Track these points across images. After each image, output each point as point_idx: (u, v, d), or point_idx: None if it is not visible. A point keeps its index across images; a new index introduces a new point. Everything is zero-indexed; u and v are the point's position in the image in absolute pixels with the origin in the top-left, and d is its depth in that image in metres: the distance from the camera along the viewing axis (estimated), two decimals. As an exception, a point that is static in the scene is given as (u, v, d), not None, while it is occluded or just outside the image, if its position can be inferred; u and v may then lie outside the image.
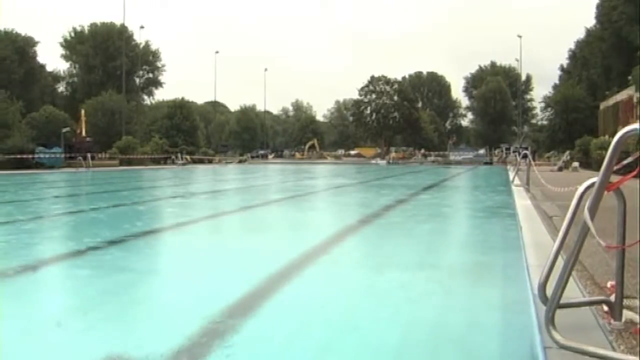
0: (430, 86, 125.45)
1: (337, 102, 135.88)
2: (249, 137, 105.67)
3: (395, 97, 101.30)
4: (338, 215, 13.45)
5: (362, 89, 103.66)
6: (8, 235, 9.09)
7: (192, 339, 3.82)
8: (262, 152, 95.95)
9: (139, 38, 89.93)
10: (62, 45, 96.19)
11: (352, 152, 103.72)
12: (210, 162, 63.10)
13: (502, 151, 75.17)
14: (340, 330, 4.27)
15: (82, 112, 55.51)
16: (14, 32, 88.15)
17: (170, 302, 5.14)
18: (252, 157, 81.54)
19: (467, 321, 4.50)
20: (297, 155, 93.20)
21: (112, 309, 4.88)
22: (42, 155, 43.19)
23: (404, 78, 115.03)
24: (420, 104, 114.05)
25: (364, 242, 8.92)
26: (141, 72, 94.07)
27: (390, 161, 70.12)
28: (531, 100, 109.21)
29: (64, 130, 52.41)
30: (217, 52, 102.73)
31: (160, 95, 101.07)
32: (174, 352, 3.58)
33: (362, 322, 4.52)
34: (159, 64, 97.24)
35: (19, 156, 40.43)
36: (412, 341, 4.11)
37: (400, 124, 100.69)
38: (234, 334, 3.99)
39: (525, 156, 23.63)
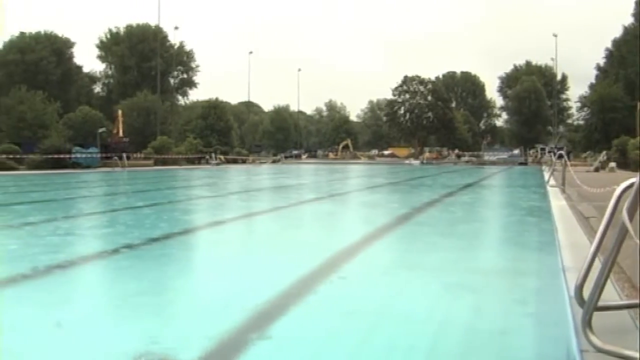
0: (464, 86, 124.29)
1: (371, 102, 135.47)
2: (283, 137, 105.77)
3: (429, 97, 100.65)
4: (380, 213, 13.31)
5: (395, 88, 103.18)
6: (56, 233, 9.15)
7: (229, 335, 3.85)
8: (295, 152, 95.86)
9: (174, 39, 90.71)
10: (98, 47, 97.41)
11: (386, 152, 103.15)
12: (243, 162, 63.23)
13: (537, 151, 74.15)
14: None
15: (119, 112, 56.04)
16: (52, 34, 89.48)
17: (208, 299, 5.16)
18: (286, 157, 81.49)
19: (503, 323, 4.38)
20: (331, 155, 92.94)
21: (155, 303, 4.94)
22: (78, 155, 43.62)
23: (437, 78, 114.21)
24: (454, 104, 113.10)
25: (404, 240, 8.79)
26: (176, 73, 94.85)
27: (424, 161, 69.72)
28: (567, 100, 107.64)
29: (100, 130, 52.95)
30: (250, 52, 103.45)
31: (195, 95, 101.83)
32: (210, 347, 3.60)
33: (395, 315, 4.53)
34: (193, 65, 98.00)
35: (56, 156, 40.87)
36: (446, 342, 4.00)
37: (434, 124, 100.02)
38: (274, 331, 4.02)
39: (560, 156, 23.25)
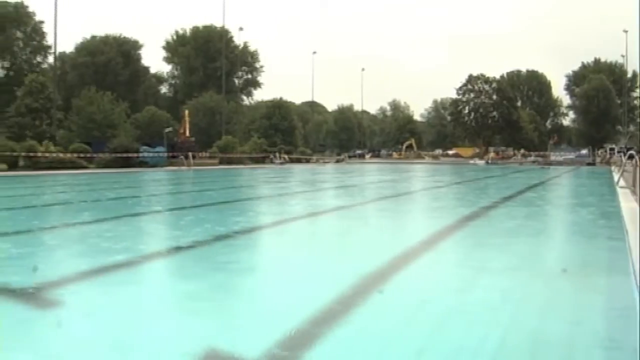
0: (529, 84, 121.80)
1: (435, 101, 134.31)
2: (347, 137, 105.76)
3: (494, 96, 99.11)
4: (451, 212, 12.91)
5: (460, 88, 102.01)
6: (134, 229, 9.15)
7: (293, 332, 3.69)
8: (359, 152, 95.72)
9: (238, 39, 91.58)
10: (164, 48, 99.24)
11: (450, 152, 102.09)
12: (307, 161, 63.22)
13: (605, 151, 71.91)
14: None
15: (186, 112, 56.71)
16: (121, 36, 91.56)
17: (276, 296, 4.97)
18: (349, 157, 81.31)
19: (571, 327, 4.06)
20: (395, 155, 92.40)
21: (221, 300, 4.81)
22: (145, 155, 44.28)
23: (502, 76, 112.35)
24: (519, 103, 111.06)
25: (478, 238, 8.40)
26: (240, 73, 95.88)
27: (489, 161, 68.40)
28: (637, 98, 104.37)
29: (167, 130, 53.63)
30: (314, 52, 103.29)
31: (259, 95, 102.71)
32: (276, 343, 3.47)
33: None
34: (257, 65, 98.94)
35: (124, 155, 41.56)
36: (513, 343, 3.74)
37: (499, 124, 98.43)
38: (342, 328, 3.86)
39: (631, 157, 22.25)
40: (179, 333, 3.82)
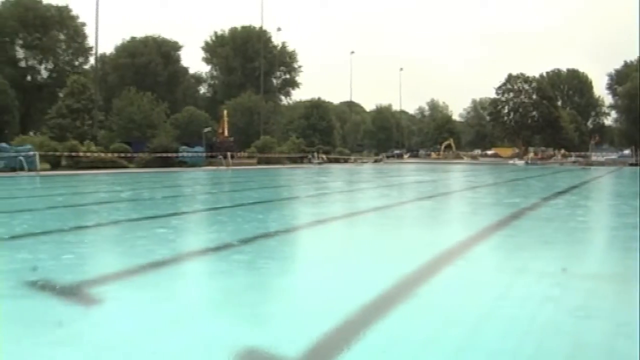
0: (570, 84, 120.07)
1: (474, 101, 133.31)
2: (385, 136, 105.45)
3: (534, 96, 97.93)
4: (493, 213, 12.67)
5: (499, 87, 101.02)
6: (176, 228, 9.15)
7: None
8: (397, 151, 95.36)
9: (276, 40, 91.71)
10: (203, 49, 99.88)
11: (489, 152, 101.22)
12: (345, 161, 63.12)
13: (648, 151, 70.30)
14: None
15: (225, 112, 56.92)
16: (160, 37, 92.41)
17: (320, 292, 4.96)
18: (387, 157, 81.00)
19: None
20: (433, 155, 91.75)
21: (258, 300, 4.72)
22: (185, 154, 44.54)
23: (541, 75, 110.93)
24: (559, 103, 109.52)
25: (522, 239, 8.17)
26: (278, 73, 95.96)
27: (529, 162, 67.41)
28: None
29: (206, 130, 53.92)
30: (352, 52, 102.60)
31: (297, 95, 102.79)
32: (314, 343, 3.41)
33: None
34: (295, 65, 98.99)
35: (164, 155, 41.87)
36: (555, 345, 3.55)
37: (539, 124, 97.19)
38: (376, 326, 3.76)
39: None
40: (224, 331, 3.80)
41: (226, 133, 54.54)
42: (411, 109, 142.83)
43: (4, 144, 35.81)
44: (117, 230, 9.07)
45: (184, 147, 45.98)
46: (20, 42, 75.70)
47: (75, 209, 12.81)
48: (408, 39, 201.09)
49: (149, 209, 13.29)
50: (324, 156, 59.37)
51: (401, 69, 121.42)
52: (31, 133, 56.59)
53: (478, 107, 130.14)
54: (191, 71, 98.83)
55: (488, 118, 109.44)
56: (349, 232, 9.52)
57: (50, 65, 78.37)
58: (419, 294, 4.69)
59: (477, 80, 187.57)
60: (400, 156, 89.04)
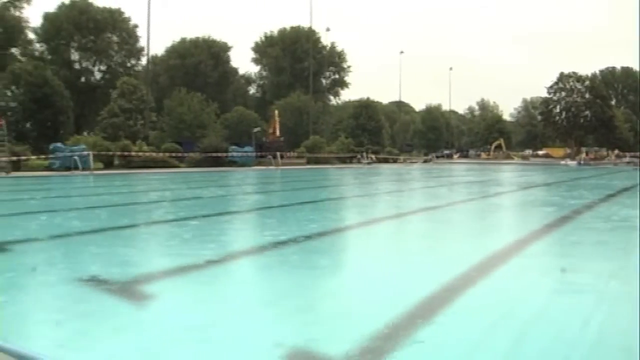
0: (625, 82, 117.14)
1: (525, 100, 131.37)
2: (434, 136, 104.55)
3: (587, 95, 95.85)
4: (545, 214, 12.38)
5: (550, 86, 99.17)
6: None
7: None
8: (446, 152, 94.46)
9: (325, 40, 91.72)
10: (253, 50, 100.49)
11: (540, 153, 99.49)
12: (394, 161, 62.74)
13: None
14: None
15: (275, 112, 57.06)
16: (210, 38, 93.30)
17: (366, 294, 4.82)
18: (437, 157, 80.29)
19: None
20: (483, 155, 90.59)
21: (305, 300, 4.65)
22: (234, 154, 44.76)
23: (594, 74, 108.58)
24: (613, 102, 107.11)
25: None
26: (327, 73, 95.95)
27: (581, 162, 66.01)
28: None
29: (255, 130, 54.19)
30: (401, 52, 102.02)
31: (346, 95, 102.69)
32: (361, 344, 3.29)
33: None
34: (344, 65, 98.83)
35: (214, 154, 42.16)
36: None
37: (592, 123, 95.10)
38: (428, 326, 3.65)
39: None
40: (275, 328, 3.76)
41: (277, 133, 54.66)
42: (461, 109, 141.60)
43: (59, 144, 36.49)
44: (194, 225, 9.20)
45: (233, 147, 46.21)
46: (75, 44, 77.26)
47: (145, 206, 13.27)
48: (458, 38, 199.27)
49: (215, 206, 13.55)
50: (372, 156, 59.11)
51: (451, 68, 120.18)
52: (85, 133, 57.67)
53: (529, 106, 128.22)
54: (241, 72, 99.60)
55: (539, 118, 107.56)
56: (411, 230, 9.48)
57: (103, 67, 79.78)
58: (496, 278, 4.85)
59: (528, 79, 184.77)
60: (449, 156, 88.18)
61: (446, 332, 3.56)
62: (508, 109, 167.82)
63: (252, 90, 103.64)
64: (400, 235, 8.98)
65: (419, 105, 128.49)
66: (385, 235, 8.79)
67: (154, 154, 40.14)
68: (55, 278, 5.09)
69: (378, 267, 5.90)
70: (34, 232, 8.04)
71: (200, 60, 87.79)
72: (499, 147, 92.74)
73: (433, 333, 3.51)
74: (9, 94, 55.59)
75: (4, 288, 4.66)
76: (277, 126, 55.05)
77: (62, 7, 76.37)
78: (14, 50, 70.56)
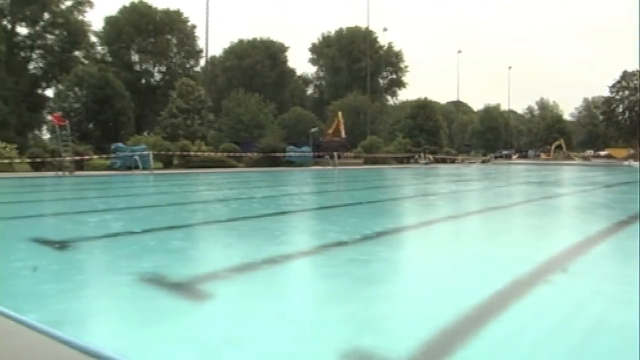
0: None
1: (586, 99, 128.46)
2: (493, 137, 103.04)
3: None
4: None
5: (613, 85, 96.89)
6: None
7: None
8: (505, 152, 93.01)
9: (383, 40, 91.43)
10: (310, 50, 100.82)
11: (602, 153, 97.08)
12: (452, 162, 61.97)
13: None
14: None
15: (339, 114, 56.77)
16: (268, 39, 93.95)
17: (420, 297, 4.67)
18: (495, 158, 79.04)
19: None
20: (542, 155, 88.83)
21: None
22: (292, 154, 44.78)
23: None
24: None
25: None
26: (385, 73, 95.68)
27: (645, 163, 64.02)
28: None
29: (313, 130, 54.19)
30: (459, 51, 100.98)
31: (404, 95, 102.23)
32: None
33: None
34: (402, 65, 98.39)
35: (272, 154, 42.27)
36: None
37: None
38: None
39: None
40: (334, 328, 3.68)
41: (343, 134, 54.44)
42: (520, 109, 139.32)
43: (120, 144, 37.11)
44: (263, 223, 9.27)
45: (291, 147, 46.26)
46: (135, 47, 78.75)
47: (212, 205, 13.39)
48: (517, 37, 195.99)
49: (279, 204, 13.57)
50: (430, 156, 58.47)
51: (510, 67, 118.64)
52: (145, 133, 58.59)
53: (590, 106, 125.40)
54: (298, 72, 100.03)
55: (601, 117, 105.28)
56: (477, 230, 9.31)
57: (163, 68, 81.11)
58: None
59: (589, 78, 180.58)
60: (508, 157, 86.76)
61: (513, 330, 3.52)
62: (569, 109, 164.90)
63: (309, 90, 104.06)
64: (464, 235, 8.78)
65: (477, 105, 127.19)
66: (452, 235, 8.68)
67: (212, 154, 40.41)
68: (118, 275, 5.02)
69: (444, 265, 5.88)
70: (99, 229, 8.12)
71: (257, 61, 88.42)
72: (559, 147, 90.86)
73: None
74: (72, 95, 56.94)
75: (67, 284, 4.62)
76: (342, 127, 54.78)
77: (123, 10, 77.94)
78: (77, 53, 72.27)
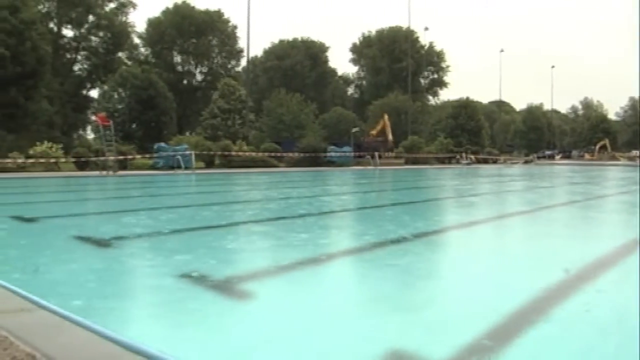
0: None
1: (632, 98, 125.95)
2: (535, 137, 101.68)
3: None
4: None
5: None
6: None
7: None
8: (548, 152, 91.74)
9: (424, 40, 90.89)
10: (351, 51, 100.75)
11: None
12: (494, 162, 61.31)
13: None
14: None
15: (385, 116, 56.55)
16: (308, 39, 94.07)
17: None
18: (538, 158, 77.98)
19: None
20: (587, 156, 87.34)
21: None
22: (333, 154, 44.74)
23: None
24: None
25: None
26: (426, 73, 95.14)
27: (693, 163, 62.52)
28: None
29: (354, 130, 54.10)
30: (501, 50, 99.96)
31: (445, 95, 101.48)
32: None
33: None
34: (443, 65, 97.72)
35: (313, 154, 42.26)
36: None
37: None
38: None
39: None
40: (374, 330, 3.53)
41: (390, 136, 54.20)
42: (563, 108, 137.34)
43: (163, 144, 37.46)
44: (310, 222, 9.24)
45: (332, 146, 46.23)
46: (177, 48, 79.59)
47: (259, 204, 13.36)
48: (560, 35, 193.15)
49: (324, 204, 13.53)
50: (472, 156, 57.92)
51: (553, 67, 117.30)
52: (187, 133, 59.16)
53: (637, 105, 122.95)
54: (339, 72, 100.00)
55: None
56: (524, 230, 9.09)
57: (204, 69, 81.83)
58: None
59: (635, 77, 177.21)
60: (551, 157, 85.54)
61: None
62: (614, 108, 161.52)
63: (350, 90, 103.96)
64: (512, 234, 8.62)
65: (519, 105, 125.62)
66: (500, 235, 8.55)
67: (253, 154, 40.54)
68: (160, 273, 4.99)
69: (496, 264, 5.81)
70: (147, 227, 8.19)
71: (297, 61, 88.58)
72: (603, 147, 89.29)
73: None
74: (116, 96, 57.74)
75: (111, 281, 4.61)
76: (389, 129, 54.47)
77: (165, 12, 78.81)
78: (120, 54, 73.31)
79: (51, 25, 65.30)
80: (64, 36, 68.78)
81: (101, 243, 6.31)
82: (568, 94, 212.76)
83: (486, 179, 28.52)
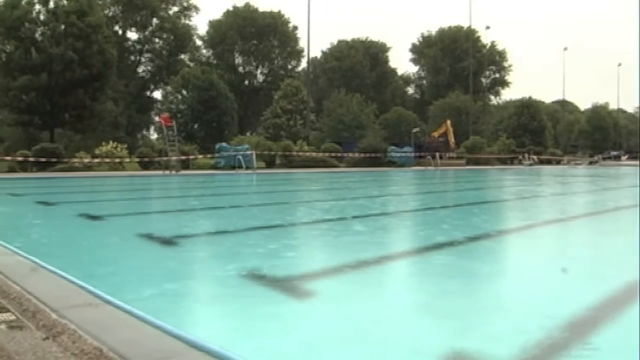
0: None
1: None
2: (601, 137, 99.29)
3: None
4: None
5: None
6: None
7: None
8: (614, 153, 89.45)
9: (485, 39, 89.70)
10: (411, 50, 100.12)
11: None
12: (557, 162, 60.08)
13: None
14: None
15: (448, 122, 55.99)
16: (368, 39, 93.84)
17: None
18: (603, 159, 76.14)
19: None
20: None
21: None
22: (393, 154, 44.54)
23: None
24: None
25: None
26: (487, 73, 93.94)
27: None
28: None
29: (414, 130, 53.77)
30: (565, 48, 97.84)
31: (507, 94, 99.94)
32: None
33: None
34: (505, 64, 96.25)
35: (373, 155, 42.13)
36: None
37: None
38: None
39: None
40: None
41: (453, 140, 53.64)
42: (630, 107, 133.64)
43: (224, 144, 37.90)
44: (372, 222, 9.04)
45: (392, 147, 46.02)
46: (239, 49, 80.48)
47: (324, 204, 13.21)
48: (627, 31, 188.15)
49: (388, 204, 13.40)
50: (535, 157, 56.81)
51: (619, 64, 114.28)
52: (248, 133, 59.73)
53: None
54: (399, 72, 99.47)
55: None
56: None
57: (265, 70, 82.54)
58: None
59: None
60: (617, 158, 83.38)
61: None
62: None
63: (410, 90, 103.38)
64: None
65: (584, 104, 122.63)
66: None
67: (314, 154, 40.64)
68: (223, 271, 4.97)
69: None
70: (215, 225, 8.28)
71: (357, 62, 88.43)
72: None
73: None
74: (179, 97, 58.72)
75: (176, 279, 4.63)
76: (451, 135, 53.91)
77: (227, 14, 79.79)
78: (183, 56, 74.56)
79: (116, 28, 66.91)
80: (128, 39, 70.42)
81: (166, 241, 6.33)
82: (635, 92, 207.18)
83: (553, 178, 27.91)
